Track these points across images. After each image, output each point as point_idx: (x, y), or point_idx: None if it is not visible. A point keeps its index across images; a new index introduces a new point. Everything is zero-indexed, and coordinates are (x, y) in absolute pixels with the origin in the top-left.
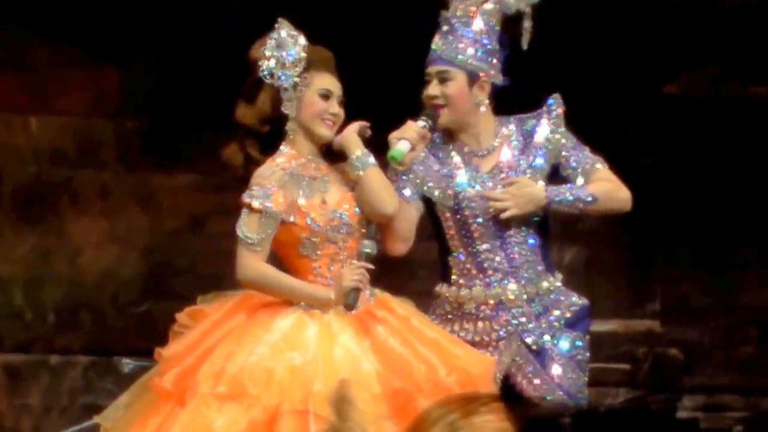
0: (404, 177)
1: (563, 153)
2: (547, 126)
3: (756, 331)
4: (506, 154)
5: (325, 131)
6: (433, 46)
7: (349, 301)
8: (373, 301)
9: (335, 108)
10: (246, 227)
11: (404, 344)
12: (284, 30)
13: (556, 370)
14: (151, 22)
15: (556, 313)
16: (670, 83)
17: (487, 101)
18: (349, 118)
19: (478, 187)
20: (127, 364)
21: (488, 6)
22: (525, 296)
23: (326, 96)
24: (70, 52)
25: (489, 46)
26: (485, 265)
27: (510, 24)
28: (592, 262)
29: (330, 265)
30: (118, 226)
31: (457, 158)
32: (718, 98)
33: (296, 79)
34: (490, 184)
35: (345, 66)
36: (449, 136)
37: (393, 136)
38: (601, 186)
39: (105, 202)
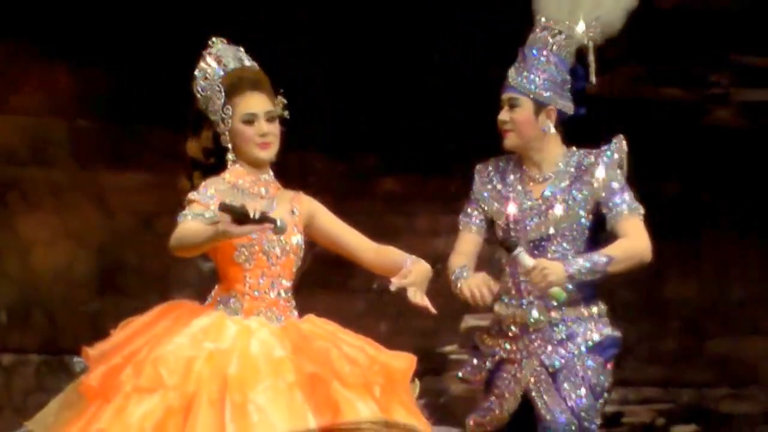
0: (475, 207)
1: (606, 194)
2: (603, 164)
3: (678, 324)
4: (557, 185)
5: (261, 154)
6: (508, 74)
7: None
8: (298, 318)
9: (263, 128)
10: (188, 211)
11: (326, 341)
12: (209, 58)
13: (565, 387)
14: (105, 23)
15: (578, 339)
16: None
17: (553, 129)
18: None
19: (526, 210)
20: (79, 362)
21: (560, 38)
22: (546, 321)
23: (250, 121)
24: (23, 51)
25: (558, 77)
26: (521, 287)
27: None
28: None
29: (261, 277)
30: (69, 225)
31: (515, 181)
32: (634, 99)
33: (221, 113)
34: (535, 210)
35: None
36: (518, 159)
37: (549, 289)
38: (617, 245)
39: (56, 200)
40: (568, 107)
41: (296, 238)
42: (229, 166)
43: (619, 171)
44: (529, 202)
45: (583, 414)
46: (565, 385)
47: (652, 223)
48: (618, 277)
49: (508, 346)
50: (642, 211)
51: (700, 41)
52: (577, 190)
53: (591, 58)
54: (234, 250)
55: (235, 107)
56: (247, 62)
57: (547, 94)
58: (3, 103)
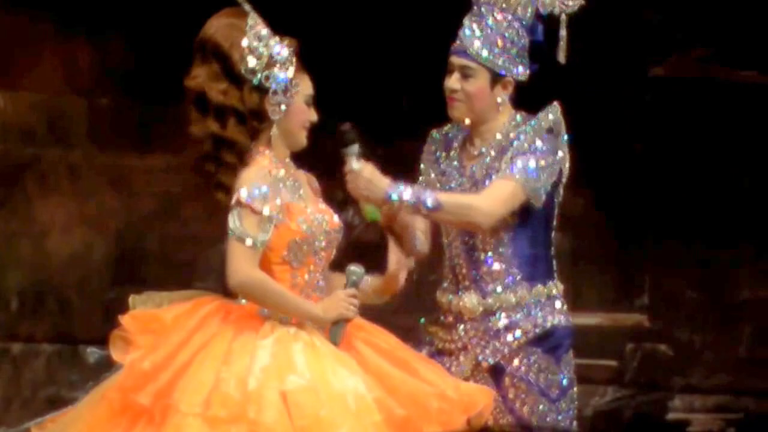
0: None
1: (511, 155)
2: (524, 133)
3: (748, 329)
4: (490, 155)
5: (304, 140)
6: (460, 35)
7: (336, 334)
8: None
9: (314, 115)
10: (245, 227)
11: (398, 366)
12: (256, 19)
13: (509, 392)
14: None
15: (518, 332)
16: (657, 66)
17: (506, 99)
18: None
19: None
20: (93, 353)
21: (522, 0)
22: (481, 309)
23: (309, 103)
24: (42, 27)
25: (519, 43)
26: (456, 271)
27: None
28: (578, 251)
29: (306, 274)
30: (87, 208)
31: (456, 155)
32: (706, 82)
33: (288, 84)
34: (460, 191)
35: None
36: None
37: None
38: (455, 196)
39: (74, 182)
40: (524, 74)
41: (341, 223)
42: (261, 141)
43: (539, 140)
44: (455, 182)
45: (536, 422)
46: (511, 393)
47: (725, 218)
48: (685, 277)
49: (444, 336)
50: (525, 183)
51: None
52: (500, 162)
53: (563, 33)
54: (285, 248)
55: (300, 83)
56: None
57: (508, 64)
58: (20, 80)
